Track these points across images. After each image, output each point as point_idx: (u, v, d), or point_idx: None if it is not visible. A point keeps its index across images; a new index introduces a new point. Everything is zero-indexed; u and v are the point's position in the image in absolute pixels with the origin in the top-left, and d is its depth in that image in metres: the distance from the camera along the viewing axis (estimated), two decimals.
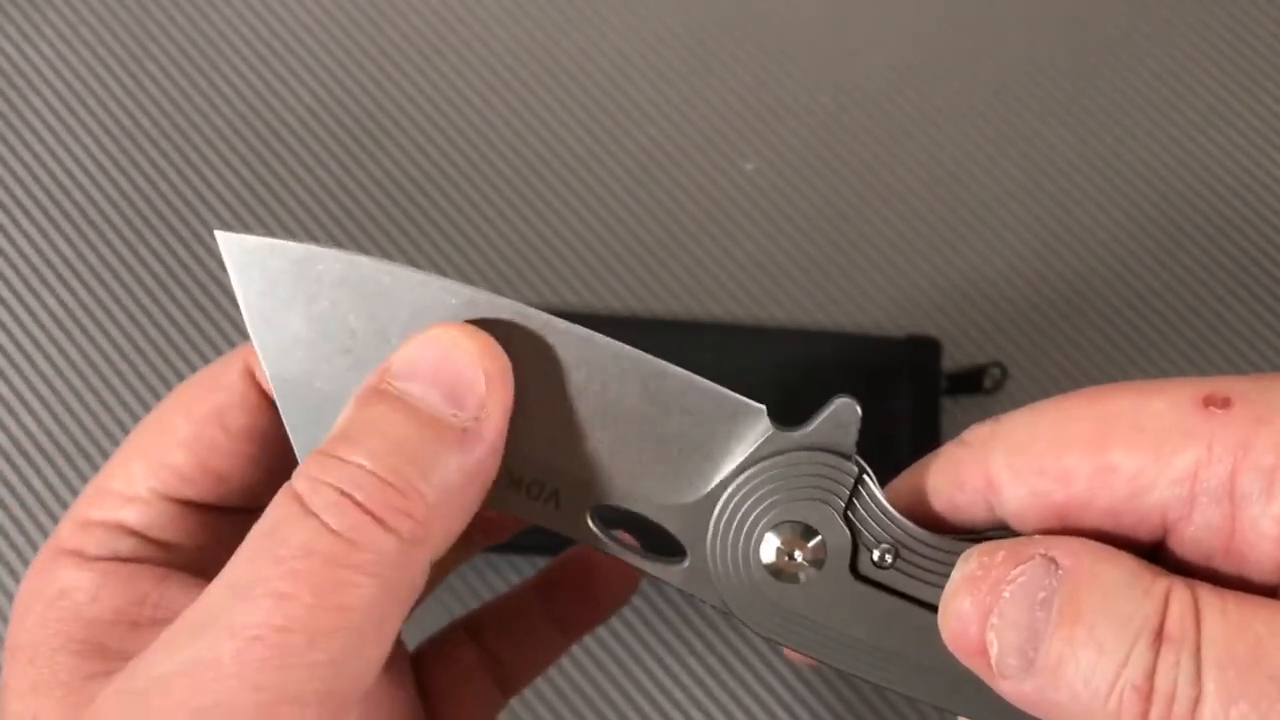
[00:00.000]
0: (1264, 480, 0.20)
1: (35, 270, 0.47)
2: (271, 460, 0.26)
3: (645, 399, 0.24)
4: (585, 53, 0.51)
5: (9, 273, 0.47)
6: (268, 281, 0.24)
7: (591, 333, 0.24)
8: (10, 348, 0.46)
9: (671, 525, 0.24)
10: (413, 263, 0.47)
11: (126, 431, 0.44)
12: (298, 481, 0.22)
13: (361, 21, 0.52)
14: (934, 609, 0.23)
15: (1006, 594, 0.20)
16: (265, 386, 0.26)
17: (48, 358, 0.46)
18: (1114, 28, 0.52)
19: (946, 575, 0.23)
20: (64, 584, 0.25)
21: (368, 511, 0.21)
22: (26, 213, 0.48)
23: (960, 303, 0.48)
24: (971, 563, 0.21)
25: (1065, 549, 0.20)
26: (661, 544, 0.25)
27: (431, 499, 0.21)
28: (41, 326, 0.46)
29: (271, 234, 0.48)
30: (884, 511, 0.24)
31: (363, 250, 0.48)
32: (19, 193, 0.48)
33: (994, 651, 0.21)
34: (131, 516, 0.25)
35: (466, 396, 0.22)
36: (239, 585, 0.21)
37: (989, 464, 0.23)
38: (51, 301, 0.46)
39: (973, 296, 0.48)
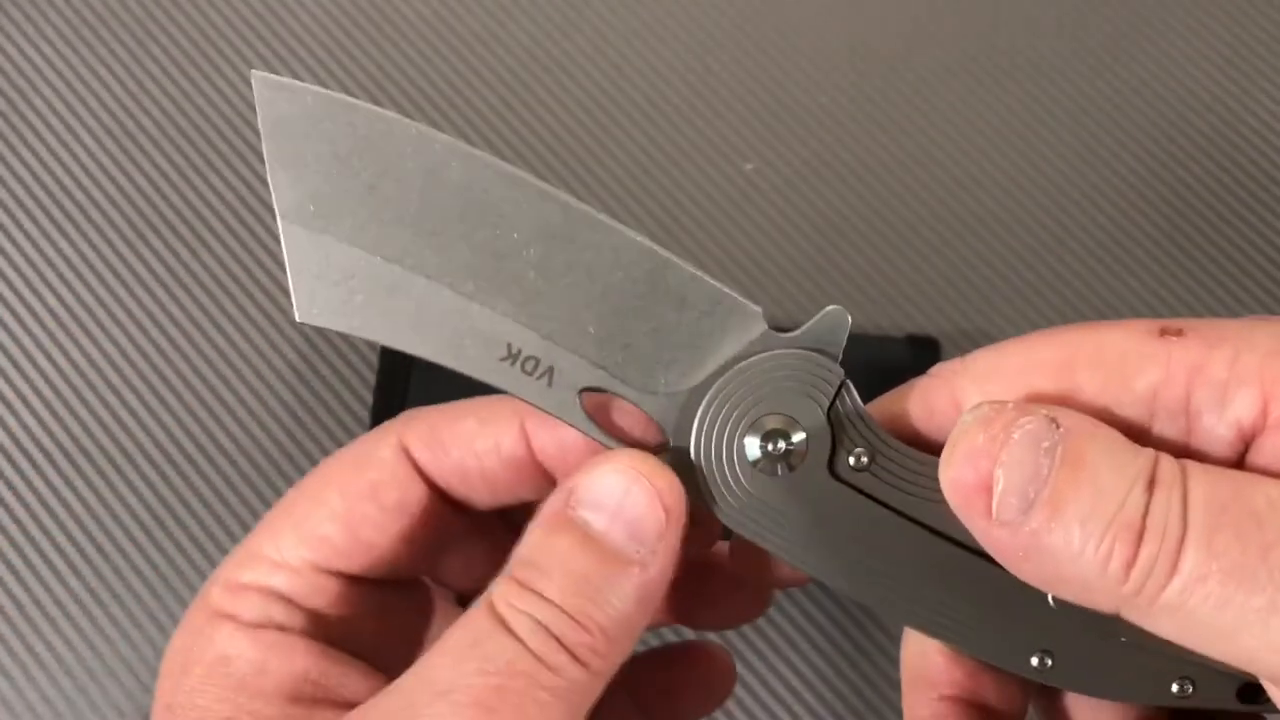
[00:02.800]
0: (1217, 393, 0.22)
1: (36, 270, 0.47)
2: (420, 534, 0.27)
3: (647, 287, 0.25)
4: (585, 53, 0.51)
5: (9, 272, 0.47)
6: (292, 123, 0.24)
7: (599, 216, 0.25)
8: (11, 347, 0.46)
9: (657, 414, 0.25)
10: None
11: (127, 431, 0.45)
12: (499, 604, 0.23)
13: (362, 22, 0.52)
14: (905, 516, 0.24)
15: (1016, 435, 0.21)
16: (419, 462, 0.27)
17: (48, 357, 0.46)
18: (1113, 27, 0.52)
19: (919, 486, 0.24)
20: (224, 649, 0.25)
21: (562, 645, 0.23)
22: (27, 212, 0.48)
23: (960, 303, 0.48)
24: (983, 408, 0.22)
25: (1065, 413, 0.22)
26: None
27: (612, 633, 0.23)
28: (42, 326, 0.46)
29: (274, 235, 0.48)
30: (864, 417, 0.25)
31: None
32: (20, 192, 0.48)
33: (999, 489, 0.21)
34: (283, 583, 0.26)
35: (647, 533, 0.23)
36: (441, 687, 0.22)
37: (957, 390, 0.24)
38: (52, 301, 0.46)
39: (972, 296, 0.48)
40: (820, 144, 0.50)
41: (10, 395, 0.45)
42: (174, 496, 0.44)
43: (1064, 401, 0.23)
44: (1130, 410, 0.23)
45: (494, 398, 0.27)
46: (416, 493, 0.27)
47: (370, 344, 0.46)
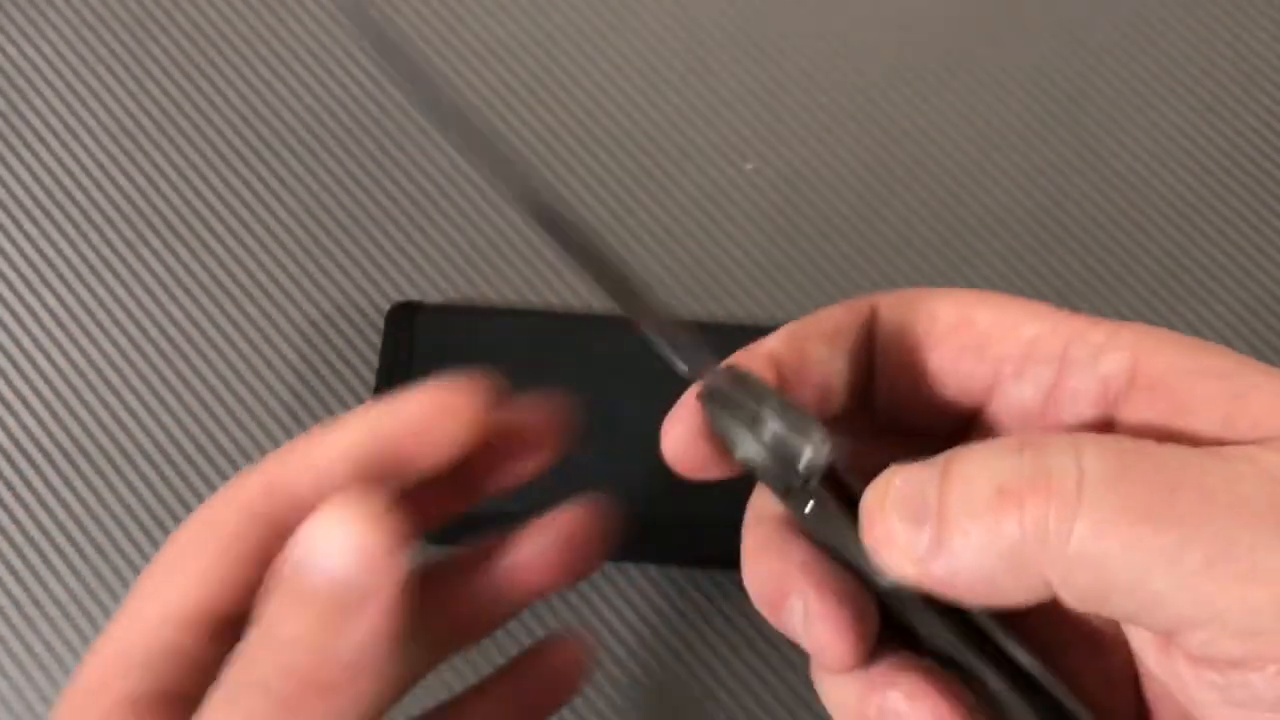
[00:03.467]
0: (1092, 351, 0.24)
1: (35, 269, 0.47)
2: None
3: None
4: (585, 54, 0.52)
5: (9, 272, 0.47)
6: None
7: None
8: (10, 347, 0.46)
9: None
10: (413, 262, 0.48)
11: (126, 431, 0.45)
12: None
13: None
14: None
15: (898, 481, 0.23)
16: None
17: (48, 357, 0.46)
18: (1112, 28, 0.52)
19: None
20: None
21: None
22: (27, 212, 0.48)
23: None
24: (868, 497, 0.23)
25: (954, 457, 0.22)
26: None
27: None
28: (42, 326, 0.46)
29: (274, 235, 0.48)
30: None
31: (362, 248, 0.48)
32: (19, 192, 0.48)
33: (895, 524, 0.22)
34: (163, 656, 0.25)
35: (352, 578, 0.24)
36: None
37: (871, 305, 0.26)
38: (52, 301, 0.47)
39: None
40: (820, 144, 0.50)
41: (9, 395, 0.45)
42: (174, 497, 0.44)
43: (957, 330, 0.25)
44: (1008, 349, 0.24)
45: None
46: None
47: (370, 344, 0.46)
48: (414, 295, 0.47)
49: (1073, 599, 0.21)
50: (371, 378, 0.45)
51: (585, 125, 0.50)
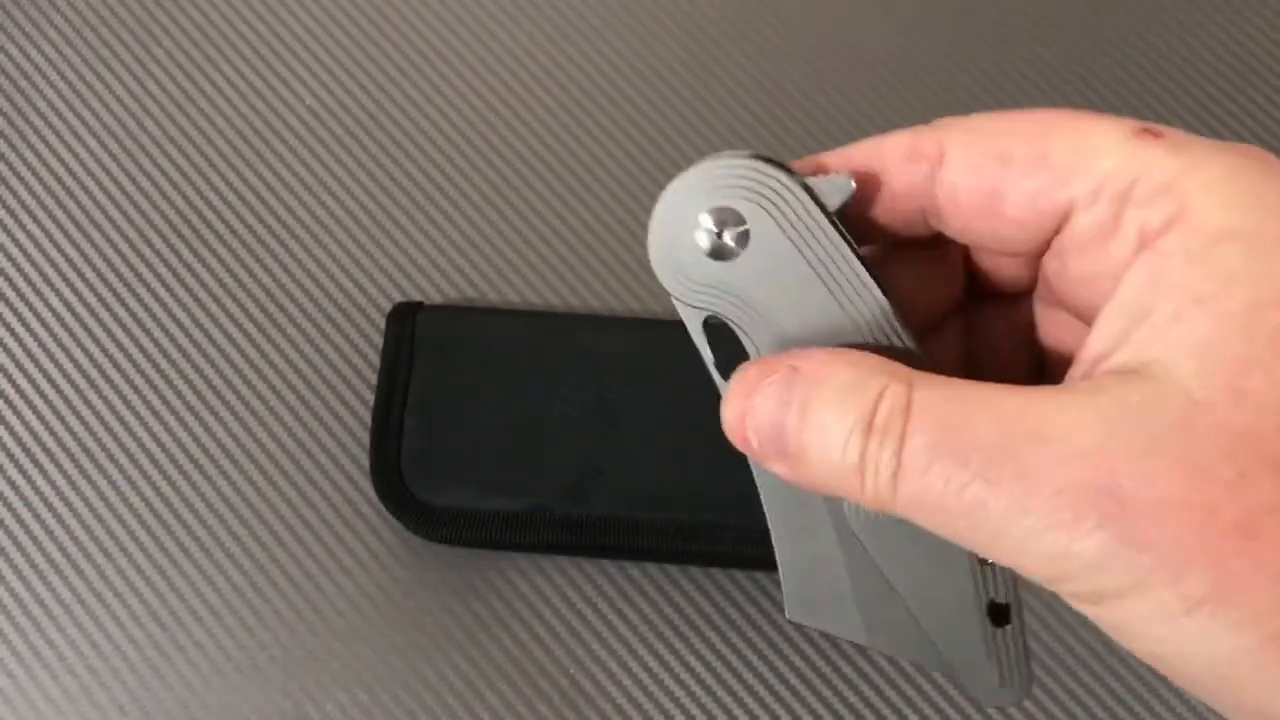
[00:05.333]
0: (1151, 192, 0.23)
1: (38, 270, 0.47)
2: None
3: None
4: (585, 54, 0.52)
5: (12, 272, 0.47)
6: None
7: None
8: (14, 347, 0.46)
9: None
10: (414, 262, 0.48)
11: (129, 431, 0.45)
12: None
13: (364, 24, 0.52)
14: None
15: (758, 400, 0.25)
16: None
17: (51, 357, 0.46)
18: (1112, 29, 0.53)
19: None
20: None
21: None
22: (30, 213, 0.48)
23: None
24: (734, 377, 0.26)
25: (805, 358, 0.25)
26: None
27: None
28: (45, 325, 0.46)
29: (275, 236, 0.48)
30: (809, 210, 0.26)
31: (363, 249, 0.48)
32: (22, 193, 0.48)
33: (755, 446, 0.25)
34: None
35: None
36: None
37: (945, 136, 0.25)
38: (55, 301, 0.47)
39: None
40: (819, 144, 0.50)
41: (12, 394, 0.45)
42: (175, 496, 0.44)
43: (1030, 167, 0.24)
44: (1082, 188, 0.24)
45: None
46: None
47: (371, 344, 0.46)
48: (414, 295, 0.47)
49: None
50: (372, 377, 0.46)
51: (585, 126, 0.50)
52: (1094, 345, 0.23)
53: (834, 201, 0.25)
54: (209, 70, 0.51)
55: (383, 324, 0.46)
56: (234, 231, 0.48)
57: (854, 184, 0.25)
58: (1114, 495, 0.21)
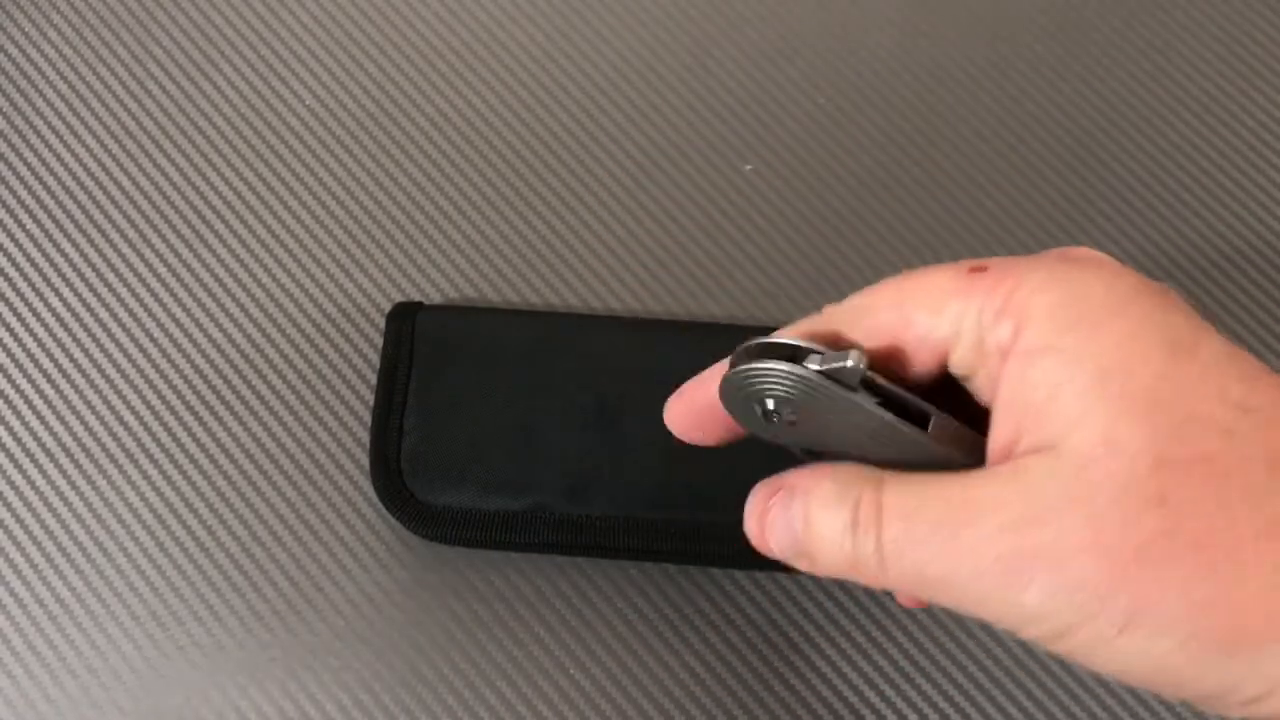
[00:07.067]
0: (991, 320, 0.28)
1: (38, 269, 0.47)
2: None
3: None
4: (585, 55, 0.52)
5: (12, 272, 0.47)
6: None
7: None
8: (13, 346, 0.46)
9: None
10: (413, 262, 0.48)
11: (129, 431, 0.45)
12: None
13: (364, 24, 0.52)
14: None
15: (769, 520, 0.31)
16: None
17: (51, 356, 0.46)
18: (1111, 30, 0.53)
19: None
20: None
21: None
22: (30, 212, 0.48)
23: None
24: (750, 499, 0.32)
25: (797, 476, 0.30)
26: None
27: None
28: (44, 325, 0.46)
29: (275, 236, 0.48)
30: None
31: (363, 249, 0.48)
32: (22, 192, 0.48)
33: (779, 553, 0.31)
34: None
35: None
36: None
37: (836, 323, 0.30)
38: (54, 300, 0.47)
39: None
40: (820, 144, 0.50)
41: (12, 394, 0.45)
42: (175, 495, 0.44)
43: (901, 330, 0.29)
44: (944, 331, 0.29)
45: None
46: None
47: (371, 344, 0.46)
48: (414, 295, 0.47)
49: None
50: (372, 377, 0.46)
51: (586, 127, 0.50)
52: (998, 436, 0.28)
53: (854, 381, 0.29)
54: (209, 70, 0.51)
55: (383, 324, 0.46)
56: (234, 231, 0.48)
57: (864, 365, 0.29)
58: (1040, 554, 0.26)
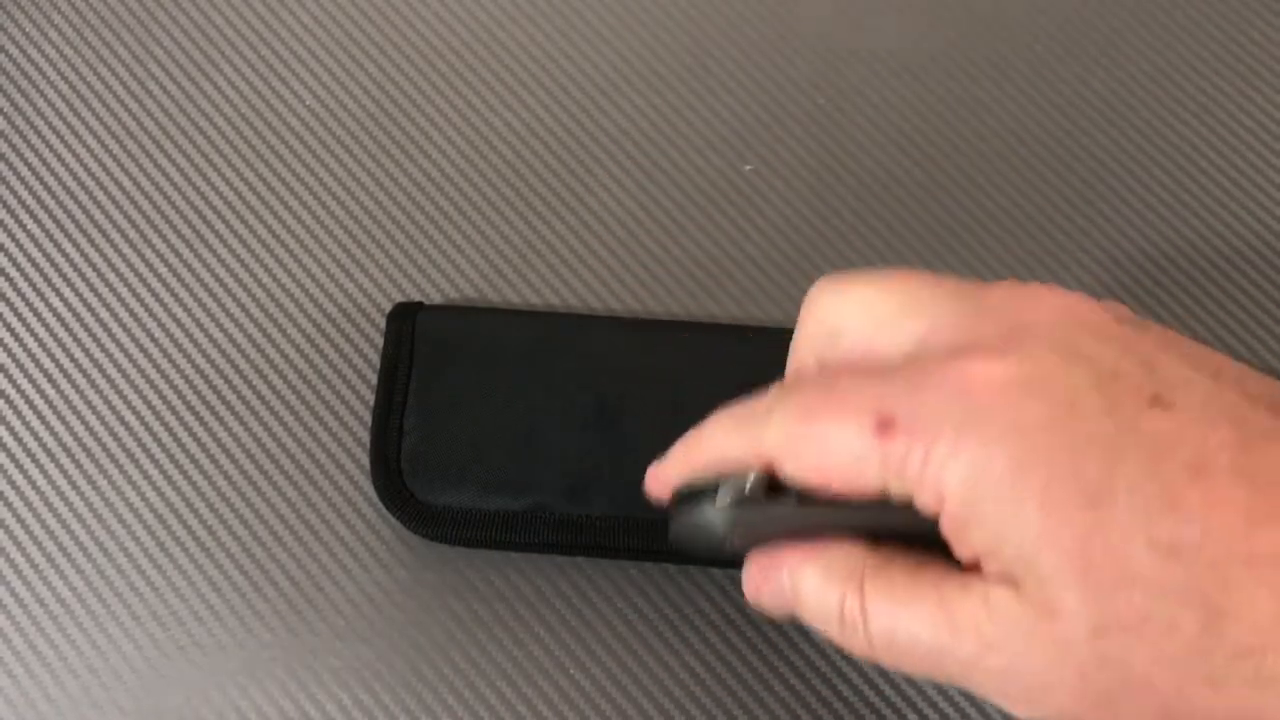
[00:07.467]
0: (913, 487, 0.29)
1: (38, 269, 0.47)
2: None
3: None
4: (585, 55, 0.52)
5: (13, 272, 0.47)
6: None
7: None
8: (14, 347, 0.46)
9: None
10: (414, 262, 0.48)
11: (129, 431, 0.45)
12: None
13: (364, 24, 0.52)
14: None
15: (765, 600, 0.33)
16: None
17: (51, 356, 0.46)
18: (1111, 30, 0.53)
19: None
20: None
21: None
22: (30, 212, 0.48)
23: None
24: (745, 570, 0.34)
25: (790, 561, 0.32)
26: None
27: None
28: (45, 325, 0.46)
29: (276, 236, 0.48)
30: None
31: (363, 249, 0.48)
32: (22, 192, 0.48)
33: (776, 615, 0.33)
34: None
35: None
36: None
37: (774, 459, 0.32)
38: (55, 300, 0.47)
39: None
40: (820, 144, 0.50)
41: (12, 394, 0.45)
42: (176, 495, 0.44)
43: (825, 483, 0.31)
44: (871, 490, 0.30)
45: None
46: None
47: (371, 344, 0.46)
48: (414, 295, 0.47)
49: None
50: (372, 377, 0.46)
51: (585, 125, 0.50)
52: (959, 548, 0.29)
53: (759, 496, 0.31)
54: (209, 70, 0.51)
55: (383, 324, 0.46)
56: (234, 231, 0.48)
57: (762, 484, 0.30)
58: (1018, 682, 0.29)
